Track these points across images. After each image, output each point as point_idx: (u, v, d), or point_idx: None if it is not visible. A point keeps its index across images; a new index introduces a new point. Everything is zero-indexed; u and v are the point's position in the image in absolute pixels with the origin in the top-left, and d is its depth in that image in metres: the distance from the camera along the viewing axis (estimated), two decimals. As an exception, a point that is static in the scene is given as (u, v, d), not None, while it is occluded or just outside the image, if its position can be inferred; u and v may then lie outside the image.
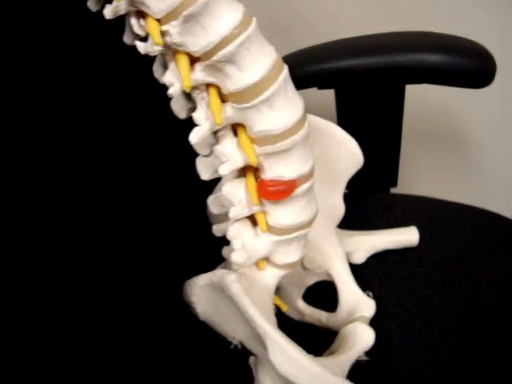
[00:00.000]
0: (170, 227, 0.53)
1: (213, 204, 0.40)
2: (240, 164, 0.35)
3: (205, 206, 0.46)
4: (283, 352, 0.33)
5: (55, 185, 0.37)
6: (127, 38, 0.34)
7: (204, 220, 0.48)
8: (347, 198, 0.50)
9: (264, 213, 0.37)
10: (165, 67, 0.35)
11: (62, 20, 0.39)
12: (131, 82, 0.48)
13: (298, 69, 0.62)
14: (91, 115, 0.42)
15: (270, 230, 0.37)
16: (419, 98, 0.98)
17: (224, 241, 0.43)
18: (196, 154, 0.37)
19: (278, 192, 0.34)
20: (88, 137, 0.41)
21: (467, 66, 0.59)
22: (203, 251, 0.51)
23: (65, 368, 0.37)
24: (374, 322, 0.49)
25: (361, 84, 0.65)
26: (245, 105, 0.32)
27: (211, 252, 0.45)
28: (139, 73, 0.48)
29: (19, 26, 0.36)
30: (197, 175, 0.38)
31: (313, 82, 0.63)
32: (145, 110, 0.50)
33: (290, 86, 0.33)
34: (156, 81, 0.35)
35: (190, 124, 0.35)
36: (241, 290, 0.34)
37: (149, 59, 0.36)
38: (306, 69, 0.63)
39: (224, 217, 0.43)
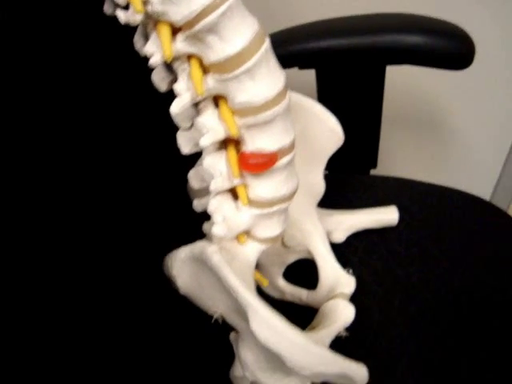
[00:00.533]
0: (150, 205, 0.53)
1: (193, 178, 0.40)
2: (221, 136, 0.35)
3: (185, 183, 0.46)
4: (264, 321, 0.33)
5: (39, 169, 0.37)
6: (108, 8, 0.34)
7: (183, 198, 0.47)
8: (327, 179, 0.50)
9: (245, 186, 0.37)
10: (146, 38, 0.34)
11: (60, 18, 0.39)
12: (121, 78, 0.47)
13: (279, 49, 0.61)
14: (78, 105, 0.41)
15: (251, 203, 0.37)
16: (399, 80, 0.99)
17: (204, 217, 0.43)
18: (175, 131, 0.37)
19: (259, 164, 0.34)
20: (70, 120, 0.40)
21: (447, 47, 0.59)
22: (183, 229, 0.51)
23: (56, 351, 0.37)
24: (353, 300, 0.49)
25: (342, 64, 0.65)
26: (226, 75, 0.32)
27: (191, 230, 0.45)
28: (131, 70, 0.47)
29: (16, 23, 0.35)
30: (177, 152, 0.37)
31: (294, 62, 0.63)
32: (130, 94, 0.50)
33: (272, 58, 0.33)
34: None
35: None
36: (222, 261, 0.34)
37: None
38: (287, 48, 0.63)
39: (204, 192, 0.43)
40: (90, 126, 0.40)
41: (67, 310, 0.38)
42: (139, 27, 0.35)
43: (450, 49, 0.59)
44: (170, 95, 0.44)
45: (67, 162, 0.38)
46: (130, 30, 0.42)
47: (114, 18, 0.34)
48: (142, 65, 0.45)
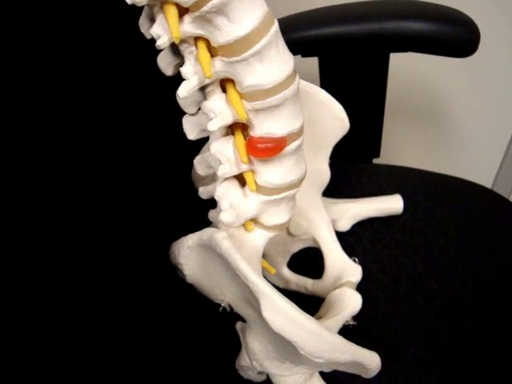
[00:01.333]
0: (153, 195, 0.52)
1: (199, 165, 0.39)
2: (229, 120, 0.34)
3: (187, 171, 0.45)
4: (278, 308, 0.32)
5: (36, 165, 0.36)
6: (113, -10, 0.33)
7: (186, 188, 0.47)
8: (330, 168, 0.49)
9: (253, 172, 0.36)
10: (152, 21, 0.34)
11: (60, 16, 0.38)
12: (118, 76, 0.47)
13: (282, 36, 0.61)
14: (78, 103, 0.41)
15: (259, 189, 0.37)
16: (402, 69, 0.98)
17: (209, 206, 0.42)
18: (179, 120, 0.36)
19: (268, 149, 0.34)
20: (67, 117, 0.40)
21: (452, 34, 0.59)
22: (185, 219, 0.50)
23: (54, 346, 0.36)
24: (358, 289, 0.49)
25: (345, 52, 0.64)
26: (235, 58, 0.31)
27: (194, 220, 0.45)
28: (130, 59, 0.47)
29: (16, 23, 0.35)
30: (180, 140, 0.37)
31: (296, 50, 0.63)
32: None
33: (281, 41, 0.33)
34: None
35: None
36: (231, 247, 0.33)
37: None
38: (290, 36, 0.62)
39: (210, 179, 0.43)
40: (91, 114, 0.40)
41: (73, 300, 0.37)
42: (145, 9, 0.34)
43: (454, 36, 0.58)
44: (173, 84, 0.44)
45: (69, 150, 0.37)
46: (127, 22, 0.41)
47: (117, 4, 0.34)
48: (141, 54, 0.45)
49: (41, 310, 0.35)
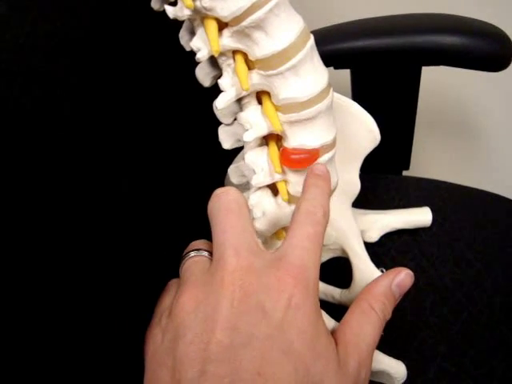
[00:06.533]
0: (172, 202, 0.52)
1: (233, 174, 0.40)
2: (264, 132, 0.35)
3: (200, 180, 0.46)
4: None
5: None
6: (155, 3, 0.34)
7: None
8: (360, 179, 0.50)
9: (285, 182, 0.37)
10: (192, 33, 0.35)
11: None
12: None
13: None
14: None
15: (291, 199, 0.37)
16: (433, 82, 0.98)
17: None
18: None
19: (301, 160, 0.35)
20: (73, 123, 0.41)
21: (485, 48, 0.59)
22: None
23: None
24: (386, 300, 0.49)
25: (377, 64, 0.65)
26: (271, 71, 0.32)
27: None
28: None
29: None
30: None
31: (329, 62, 0.63)
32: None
33: (316, 55, 0.34)
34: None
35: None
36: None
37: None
38: (323, 48, 0.63)
39: (242, 189, 0.43)
40: (100, 123, 0.40)
41: (73, 300, 0.38)
42: (185, 22, 0.35)
43: (487, 50, 0.59)
44: (174, 95, 0.44)
45: (77, 158, 0.38)
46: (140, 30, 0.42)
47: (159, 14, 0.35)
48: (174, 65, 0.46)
49: (41, 310, 0.35)
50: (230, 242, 0.30)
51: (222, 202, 0.32)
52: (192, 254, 0.33)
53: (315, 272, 0.30)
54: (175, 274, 0.34)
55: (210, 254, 0.32)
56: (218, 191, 0.32)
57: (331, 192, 0.38)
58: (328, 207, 0.32)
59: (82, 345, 0.38)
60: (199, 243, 0.34)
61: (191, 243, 0.34)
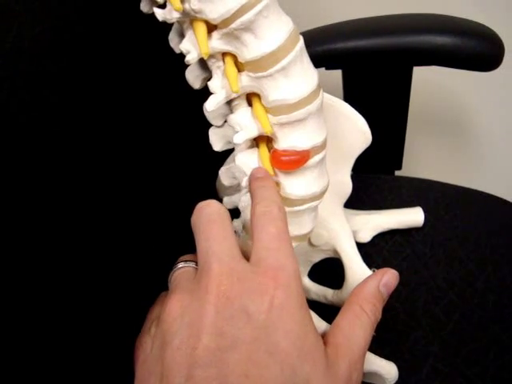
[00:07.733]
0: (169, 204, 0.53)
1: (224, 175, 0.40)
2: (254, 133, 0.35)
3: (200, 189, 0.46)
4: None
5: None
6: (144, 6, 0.34)
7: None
8: (352, 179, 0.50)
9: (276, 183, 0.37)
10: (181, 36, 0.35)
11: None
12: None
13: (306, 49, 0.62)
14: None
15: (282, 201, 0.37)
16: (424, 82, 0.98)
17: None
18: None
19: (292, 162, 0.35)
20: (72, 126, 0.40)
21: (476, 48, 0.59)
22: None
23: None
24: (378, 300, 0.49)
25: (368, 65, 0.65)
26: (261, 73, 0.32)
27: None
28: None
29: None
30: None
31: (320, 63, 0.63)
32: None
33: (306, 56, 0.34)
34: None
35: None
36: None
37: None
38: (314, 49, 0.63)
39: (234, 189, 0.43)
40: (88, 127, 0.40)
41: (73, 301, 0.38)
42: (174, 25, 0.35)
43: (478, 50, 0.59)
44: (164, 97, 0.44)
45: (73, 163, 0.38)
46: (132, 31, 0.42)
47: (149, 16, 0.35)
48: (164, 67, 0.46)
49: (41, 310, 0.35)
50: (213, 250, 0.30)
51: (204, 213, 0.32)
52: (180, 265, 0.34)
53: (293, 268, 0.30)
54: (167, 285, 0.35)
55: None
56: (200, 204, 0.33)
57: (322, 194, 0.38)
58: (279, 199, 0.34)
59: (72, 352, 0.38)
60: (187, 256, 0.35)
61: (180, 257, 0.35)
